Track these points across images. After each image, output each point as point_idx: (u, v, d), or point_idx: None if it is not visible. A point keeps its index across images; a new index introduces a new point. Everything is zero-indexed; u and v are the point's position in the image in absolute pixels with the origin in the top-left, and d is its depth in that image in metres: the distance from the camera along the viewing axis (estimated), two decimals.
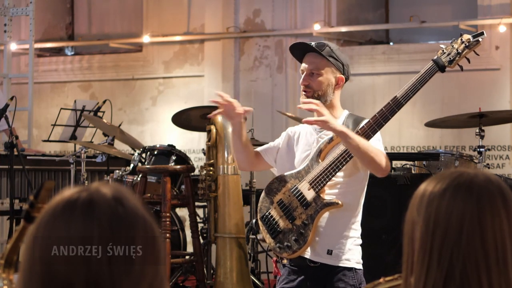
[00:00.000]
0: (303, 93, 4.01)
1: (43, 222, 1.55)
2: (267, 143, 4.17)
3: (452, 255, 1.67)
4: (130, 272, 1.51)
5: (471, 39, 3.90)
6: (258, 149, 4.15)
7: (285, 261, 4.00)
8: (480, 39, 3.91)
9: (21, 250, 1.60)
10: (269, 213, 4.03)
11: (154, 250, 1.55)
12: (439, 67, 3.90)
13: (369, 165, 3.83)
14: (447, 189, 1.70)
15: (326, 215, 3.90)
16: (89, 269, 1.50)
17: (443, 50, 3.93)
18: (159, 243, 1.57)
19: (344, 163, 3.85)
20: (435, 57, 3.92)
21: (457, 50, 3.90)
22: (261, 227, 4.08)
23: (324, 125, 3.81)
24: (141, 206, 1.57)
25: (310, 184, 3.91)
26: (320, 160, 3.92)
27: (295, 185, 3.96)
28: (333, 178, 3.88)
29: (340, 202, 3.87)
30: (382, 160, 3.80)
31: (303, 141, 4.04)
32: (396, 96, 3.88)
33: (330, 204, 3.88)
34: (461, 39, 3.91)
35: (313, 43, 4.03)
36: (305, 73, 4.02)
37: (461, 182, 1.71)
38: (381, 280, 1.83)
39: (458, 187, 1.70)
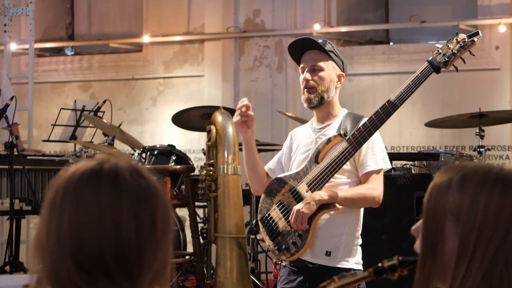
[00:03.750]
0: (305, 90, 3.98)
1: (70, 192, 1.56)
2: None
3: (495, 254, 1.65)
4: (153, 241, 1.57)
5: (466, 39, 3.87)
6: (266, 168, 4.11)
7: (284, 263, 3.99)
8: (475, 39, 3.87)
9: (39, 224, 1.60)
10: (269, 215, 4.01)
11: (168, 220, 1.62)
12: (434, 68, 3.86)
13: (363, 206, 3.94)
14: (494, 187, 1.68)
15: (324, 216, 3.88)
16: (119, 238, 1.53)
17: (438, 51, 3.89)
18: (171, 214, 1.65)
19: (341, 165, 3.83)
20: (430, 58, 3.88)
21: (452, 50, 3.86)
22: (261, 229, 4.06)
23: (303, 213, 3.82)
24: (155, 180, 1.65)
25: (308, 186, 3.89)
26: (318, 161, 3.90)
27: (294, 187, 3.94)
28: (331, 179, 3.87)
29: (337, 205, 3.84)
30: (371, 198, 3.85)
31: (302, 142, 4.03)
32: (390, 99, 3.85)
33: (327, 207, 3.86)
34: (457, 39, 3.88)
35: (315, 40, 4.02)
36: (306, 69, 4.00)
37: (507, 180, 1.69)
38: (335, 278, 1.85)
39: (505, 186, 1.69)
